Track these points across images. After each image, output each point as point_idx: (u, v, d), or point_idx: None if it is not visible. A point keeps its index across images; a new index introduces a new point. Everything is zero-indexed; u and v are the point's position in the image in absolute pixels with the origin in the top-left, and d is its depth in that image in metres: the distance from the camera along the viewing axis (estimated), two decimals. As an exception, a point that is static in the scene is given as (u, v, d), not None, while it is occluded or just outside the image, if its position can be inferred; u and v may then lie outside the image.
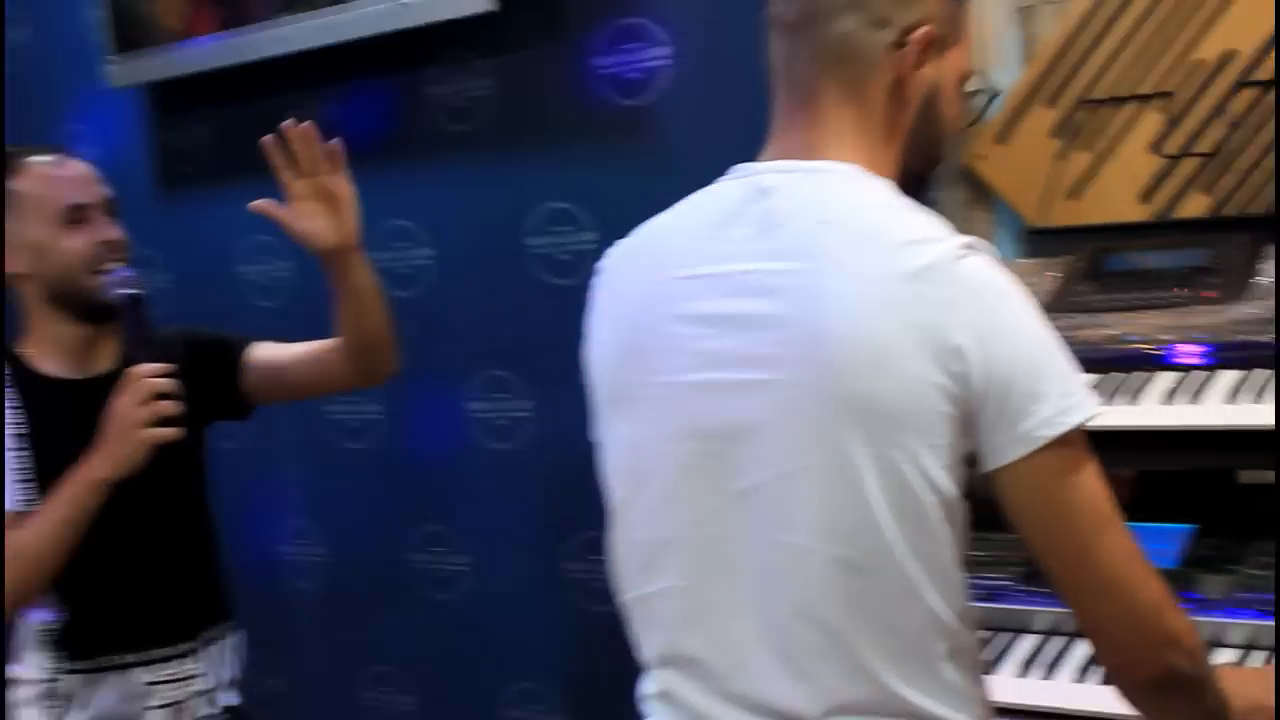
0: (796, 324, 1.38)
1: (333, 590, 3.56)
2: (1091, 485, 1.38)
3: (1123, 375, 2.05)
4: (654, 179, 2.82)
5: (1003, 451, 1.36)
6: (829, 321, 1.36)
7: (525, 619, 3.25)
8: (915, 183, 1.54)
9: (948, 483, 1.38)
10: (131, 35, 3.52)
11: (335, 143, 2.30)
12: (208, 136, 3.61)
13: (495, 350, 3.19)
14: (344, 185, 2.30)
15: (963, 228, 2.51)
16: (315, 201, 2.29)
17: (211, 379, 2.45)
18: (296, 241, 2.31)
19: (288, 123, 2.30)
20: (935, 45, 1.50)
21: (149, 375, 2.17)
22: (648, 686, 1.59)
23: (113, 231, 2.33)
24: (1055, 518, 1.37)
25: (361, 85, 3.31)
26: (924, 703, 1.41)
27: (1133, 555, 1.38)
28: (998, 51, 2.70)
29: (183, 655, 2.40)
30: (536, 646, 3.24)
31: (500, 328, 3.16)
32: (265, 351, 2.52)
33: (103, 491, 2.17)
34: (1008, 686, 1.94)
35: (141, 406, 2.16)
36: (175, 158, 3.67)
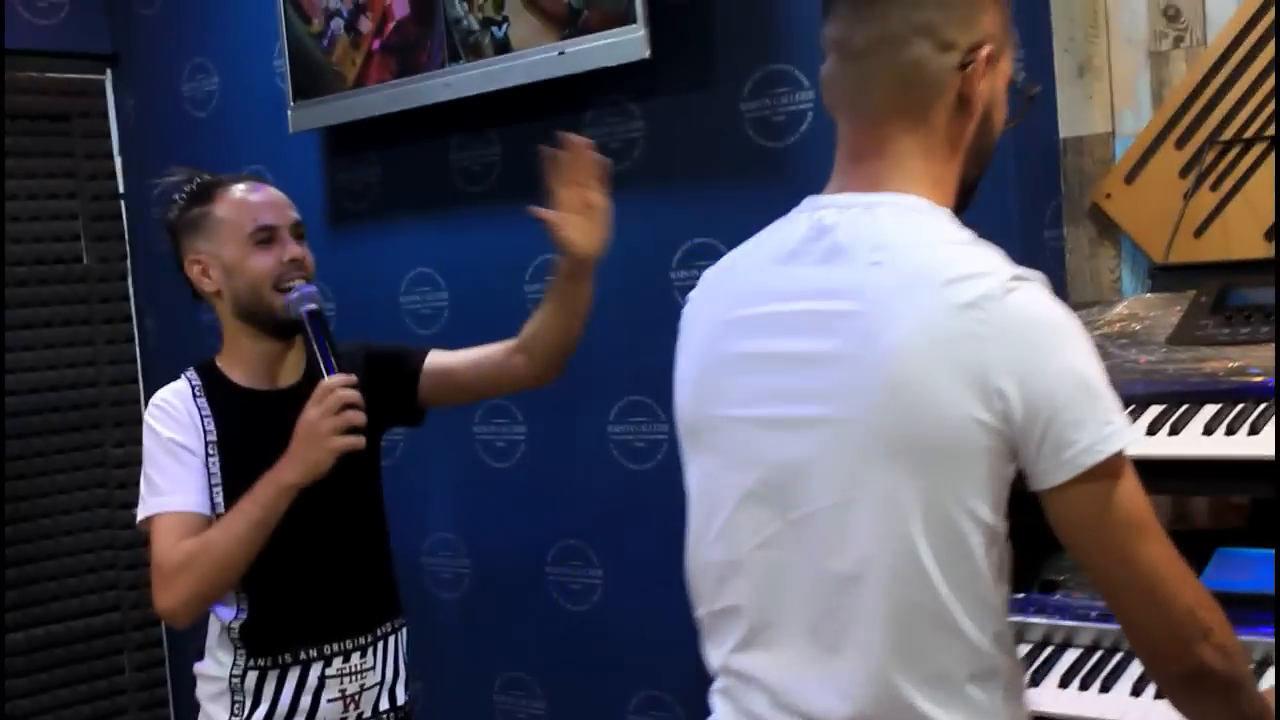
0: (850, 363, 1.43)
1: (474, 599, 3.65)
2: (1130, 501, 1.41)
3: (1245, 406, 2.05)
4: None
5: (1048, 476, 1.40)
6: (879, 362, 1.40)
7: (661, 629, 3.30)
8: (970, 188, 1.58)
9: (990, 515, 1.43)
10: (310, 84, 3.66)
11: (603, 159, 2.38)
12: (376, 177, 3.72)
13: (640, 376, 3.24)
14: (603, 199, 2.37)
15: (1089, 265, 2.59)
16: (578, 211, 2.36)
17: (391, 388, 2.54)
18: (557, 245, 2.38)
19: (569, 136, 2.37)
20: (993, 60, 1.52)
21: (338, 386, 2.26)
22: (717, 687, 1.64)
23: (298, 250, 2.41)
24: (1098, 533, 1.41)
25: (521, 129, 3.38)
26: None
27: (1170, 560, 1.42)
28: (1130, 95, 2.74)
29: (360, 649, 2.46)
30: (663, 655, 3.28)
31: (646, 356, 3.21)
32: (441, 358, 2.61)
33: (291, 495, 2.26)
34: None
35: (331, 417, 2.24)
36: (345, 196, 3.79)
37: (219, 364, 2.48)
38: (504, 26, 3.23)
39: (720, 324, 1.58)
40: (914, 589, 1.42)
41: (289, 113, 3.73)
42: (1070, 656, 2.12)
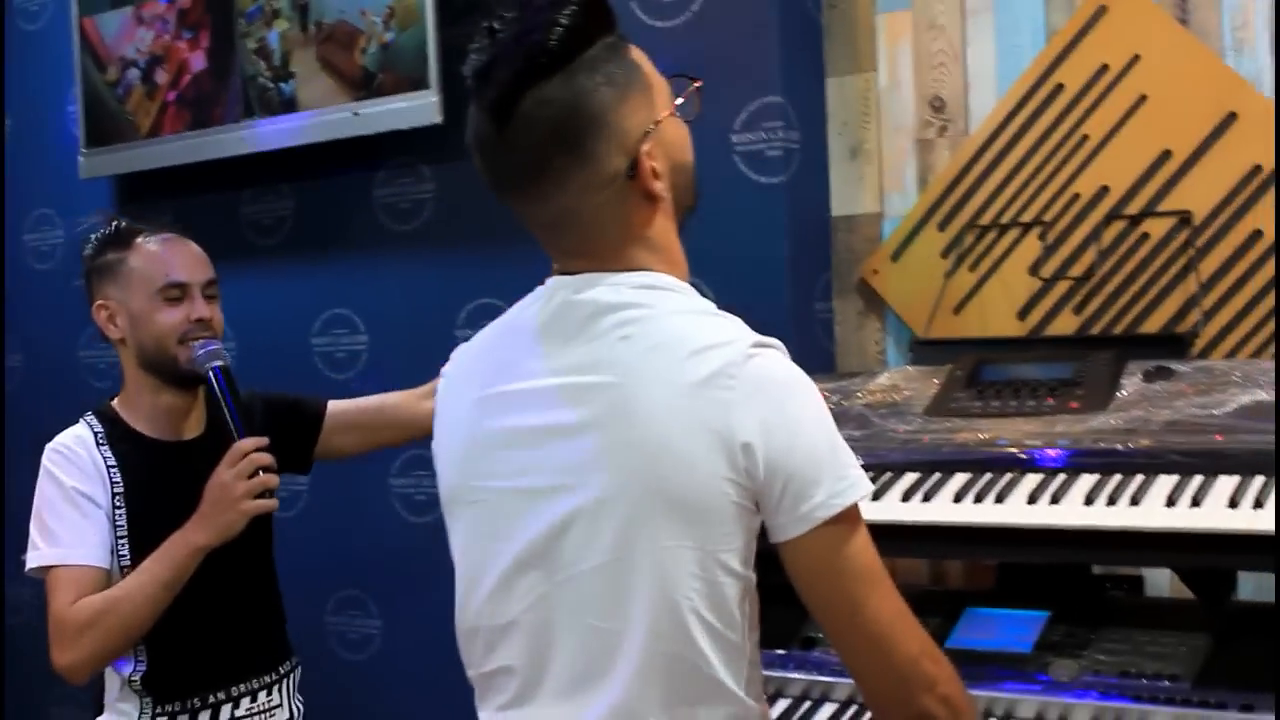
0: (605, 431, 1.41)
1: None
2: (862, 555, 1.40)
3: (993, 476, 2.04)
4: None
5: (786, 529, 1.39)
6: (632, 430, 1.40)
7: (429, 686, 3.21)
8: (688, 213, 1.54)
9: (742, 567, 1.42)
10: (103, 131, 3.53)
11: None
12: (167, 226, 3.58)
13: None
14: None
15: (856, 336, 2.59)
16: None
17: (289, 438, 2.43)
18: None
19: None
20: (657, 141, 1.46)
21: (252, 450, 2.18)
22: None
23: (205, 311, 2.31)
24: (830, 583, 1.40)
25: (314, 185, 3.32)
26: None
27: (897, 613, 1.41)
28: (898, 178, 2.75)
29: (266, 688, 2.37)
30: (442, 702, 3.20)
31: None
32: (343, 407, 2.54)
33: (201, 556, 2.17)
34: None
35: (245, 480, 2.16)
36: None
37: (119, 409, 2.35)
38: (291, 83, 3.14)
39: (478, 401, 1.54)
40: (676, 640, 1.40)
41: (81, 159, 3.60)
42: (827, 710, 2.10)
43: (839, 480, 1.39)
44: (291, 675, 2.45)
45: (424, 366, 3.07)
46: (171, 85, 3.39)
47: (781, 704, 2.09)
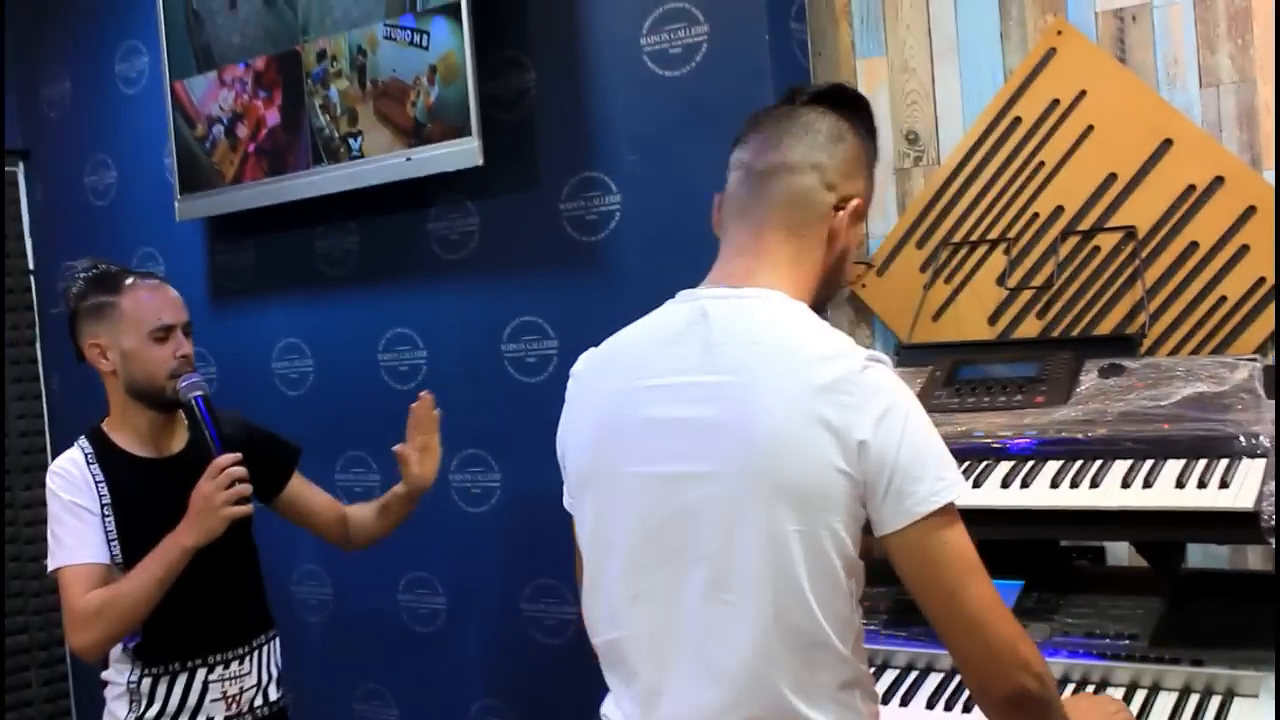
0: (731, 426, 1.41)
1: (334, 623, 3.52)
2: (959, 545, 1.39)
3: (970, 463, 2.04)
4: (603, 299, 2.85)
5: (890, 522, 1.39)
6: (758, 424, 1.39)
7: (490, 647, 3.22)
8: (816, 309, 1.56)
9: (850, 548, 1.41)
10: (194, 179, 3.53)
11: (438, 412, 2.53)
12: (251, 260, 3.59)
13: (476, 433, 3.17)
14: (438, 445, 2.53)
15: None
16: (420, 450, 2.51)
17: (265, 468, 2.50)
18: (403, 476, 2.52)
19: (421, 396, 2.53)
20: (857, 216, 1.56)
21: (228, 465, 2.24)
22: (607, 709, 1.59)
23: (188, 347, 2.38)
24: (931, 572, 1.39)
25: (376, 222, 3.32)
26: None
27: (992, 599, 1.39)
28: (880, 203, 2.73)
29: (238, 658, 2.43)
30: (497, 670, 3.21)
31: (481, 416, 3.14)
32: (302, 484, 2.64)
33: (190, 556, 2.24)
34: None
35: (223, 490, 2.23)
36: (225, 276, 3.66)
37: (108, 431, 2.41)
38: (359, 138, 3.14)
39: (617, 392, 1.53)
40: (796, 613, 1.40)
41: (176, 204, 3.60)
42: (933, 680, 2.02)
43: (939, 480, 1.39)
44: (265, 647, 2.50)
45: (475, 375, 3.12)
46: (251, 138, 3.38)
47: (890, 674, 2.03)
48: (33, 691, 4.20)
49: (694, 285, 1.56)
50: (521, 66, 3.01)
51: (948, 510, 1.39)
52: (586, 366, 1.60)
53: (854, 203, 1.55)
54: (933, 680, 1.97)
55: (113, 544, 2.30)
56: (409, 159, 3.04)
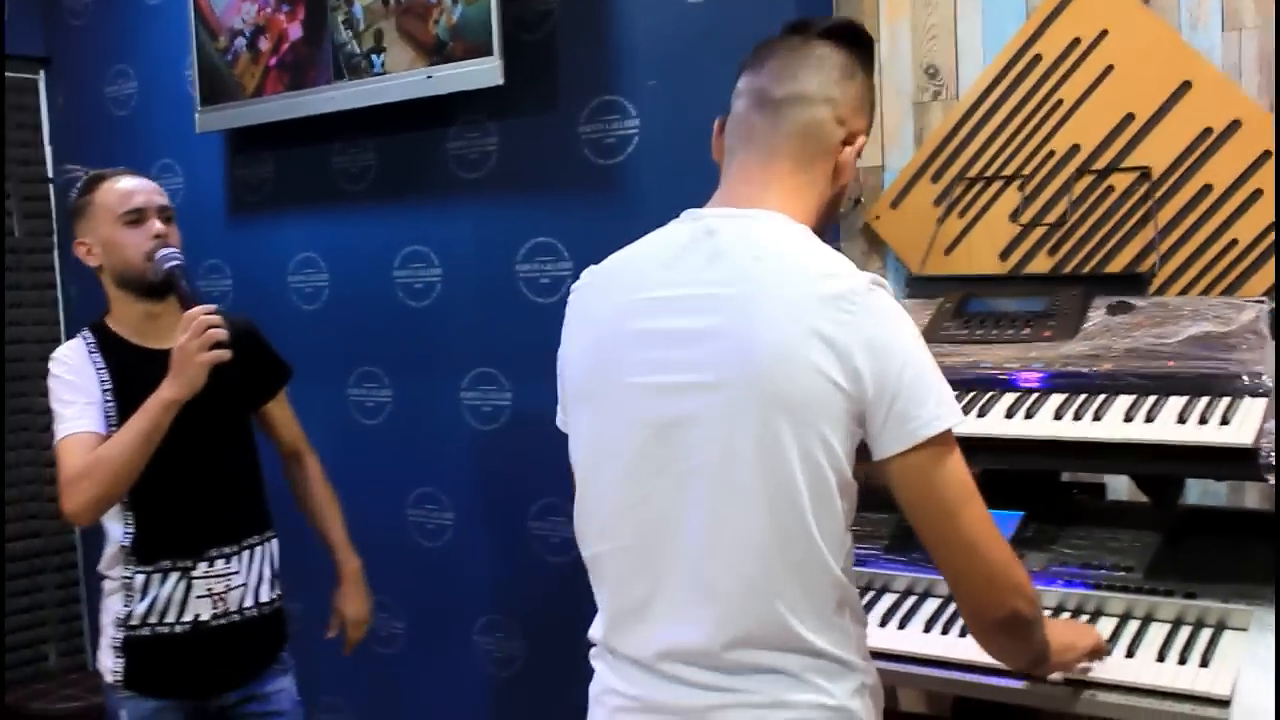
0: (732, 335, 1.40)
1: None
2: (956, 470, 1.40)
3: (976, 394, 2.04)
4: (619, 223, 2.85)
5: (889, 446, 1.39)
6: (758, 335, 1.38)
7: (496, 563, 3.25)
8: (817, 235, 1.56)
9: (844, 464, 1.40)
10: (215, 92, 3.52)
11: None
12: (270, 174, 3.59)
13: (488, 352, 3.19)
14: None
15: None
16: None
17: (259, 374, 2.56)
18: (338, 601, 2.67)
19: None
20: (859, 153, 1.56)
21: (200, 314, 2.23)
22: (595, 631, 1.59)
23: (162, 229, 2.37)
24: (928, 495, 1.40)
25: (394, 140, 3.31)
26: (818, 641, 1.43)
27: (987, 523, 1.41)
28: (897, 136, 2.72)
29: (225, 557, 2.43)
30: (502, 586, 3.24)
31: (493, 335, 3.16)
32: (278, 407, 2.67)
33: (174, 410, 2.22)
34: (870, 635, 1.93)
35: (197, 338, 2.21)
36: (244, 189, 3.66)
37: (109, 323, 2.44)
38: (381, 55, 3.13)
39: (618, 305, 1.51)
40: (791, 523, 1.39)
41: (196, 115, 3.59)
42: (931, 605, 2.02)
43: (940, 405, 1.39)
44: (259, 548, 2.49)
45: (489, 294, 3.12)
46: (272, 52, 3.37)
47: (889, 597, 2.04)
48: (46, 595, 4.26)
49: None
50: (544, -12, 2.99)
51: (948, 435, 1.39)
52: (588, 282, 1.59)
53: (860, 140, 1.55)
54: (930, 605, 1.99)
55: (112, 428, 2.29)
56: (430, 77, 3.03)
